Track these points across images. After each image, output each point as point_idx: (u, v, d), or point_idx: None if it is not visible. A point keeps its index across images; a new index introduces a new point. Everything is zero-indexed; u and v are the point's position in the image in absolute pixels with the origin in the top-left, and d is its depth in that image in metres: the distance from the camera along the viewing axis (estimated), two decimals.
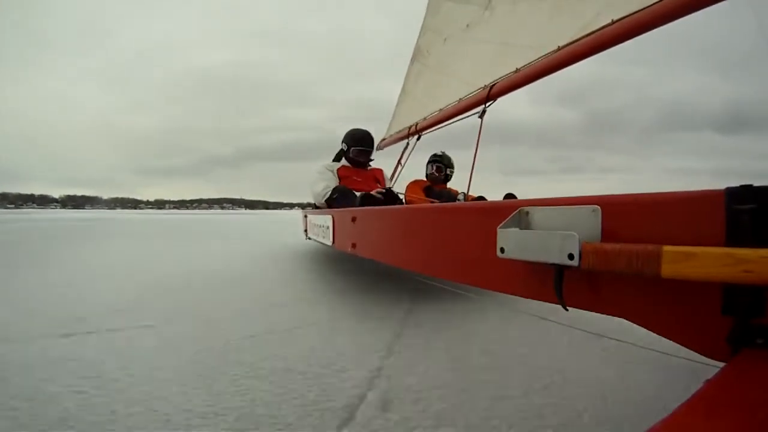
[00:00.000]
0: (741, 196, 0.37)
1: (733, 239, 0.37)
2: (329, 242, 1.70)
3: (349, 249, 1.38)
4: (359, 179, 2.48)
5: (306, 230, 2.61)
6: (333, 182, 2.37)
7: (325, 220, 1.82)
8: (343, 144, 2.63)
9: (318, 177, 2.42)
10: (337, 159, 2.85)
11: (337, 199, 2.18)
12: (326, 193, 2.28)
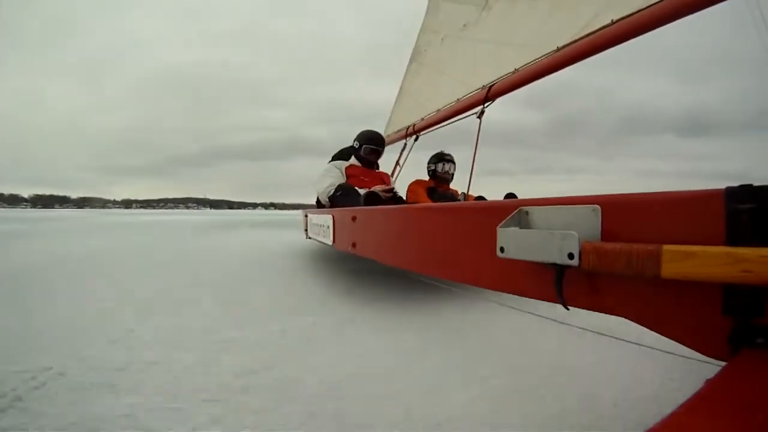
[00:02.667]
0: (740, 195, 0.37)
1: (733, 239, 0.37)
2: (329, 242, 1.70)
3: (349, 248, 1.38)
4: (367, 179, 2.44)
5: (306, 230, 2.60)
6: (339, 180, 2.34)
7: (325, 219, 1.81)
8: (355, 142, 2.59)
9: (324, 174, 2.39)
10: (339, 157, 2.84)
11: (339, 197, 2.15)
12: (330, 190, 2.26)
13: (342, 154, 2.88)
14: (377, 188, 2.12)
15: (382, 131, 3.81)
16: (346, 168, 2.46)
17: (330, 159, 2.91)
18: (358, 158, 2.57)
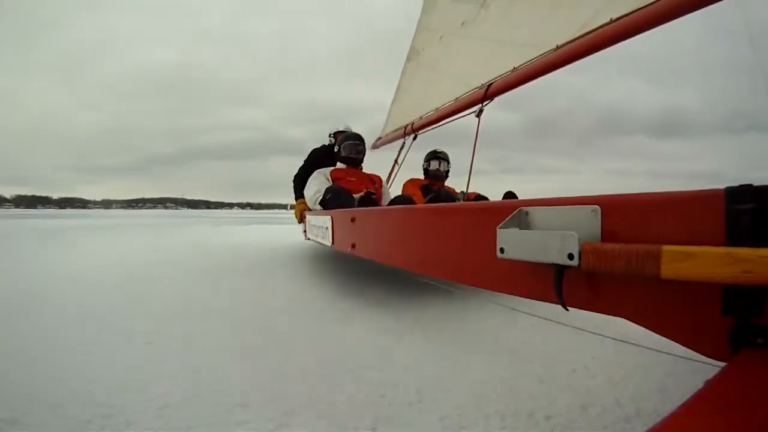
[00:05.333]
0: (740, 195, 0.37)
1: (733, 239, 0.37)
2: (328, 243, 1.70)
3: (349, 249, 1.38)
4: (354, 179, 2.45)
5: (305, 231, 2.60)
6: (325, 185, 2.34)
7: (324, 221, 1.81)
8: (336, 146, 2.66)
9: (310, 182, 2.42)
10: (314, 155, 2.94)
11: (330, 200, 2.14)
12: (318, 197, 2.26)
13: (317, 152, 2.99)
14: (357, 196, 2.12)
15: (379, 129, 3.83)
16: (331, 172, 2.48)
17: (306, 157, 2.99)
18: (341, 160, 2.61)
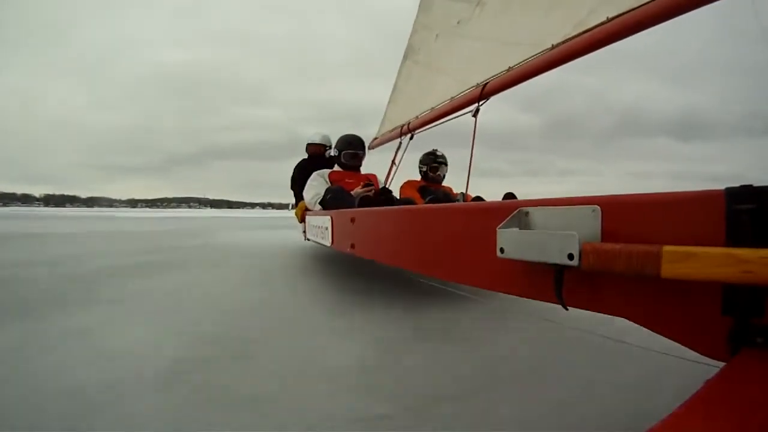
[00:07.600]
0: (741, 196, 0.37)
1: (733, 239, 0.37)
2: (328, 243, 1.70)
3: (348, 250, 1.37)
4: (351, 181, 2.49)
5: (305, 231, 2.60)
6: (324, 186, 2.38)
7: (323, 221, 1.81)
8: (335, 150, 2.68)
9: (309, 185, 2.46)
10: (299, 169, 2.96)
11: (331, 200, 2.16)
12: (317, 198, 2.29)
13: (301, 166, 3.01)
14: (357, 190, 2.13)
15: (375, 129, 3.83)
16: (329, 174, 2.52)
17: (293, 172, 3.02)
18: (340, 164, 2.64)
